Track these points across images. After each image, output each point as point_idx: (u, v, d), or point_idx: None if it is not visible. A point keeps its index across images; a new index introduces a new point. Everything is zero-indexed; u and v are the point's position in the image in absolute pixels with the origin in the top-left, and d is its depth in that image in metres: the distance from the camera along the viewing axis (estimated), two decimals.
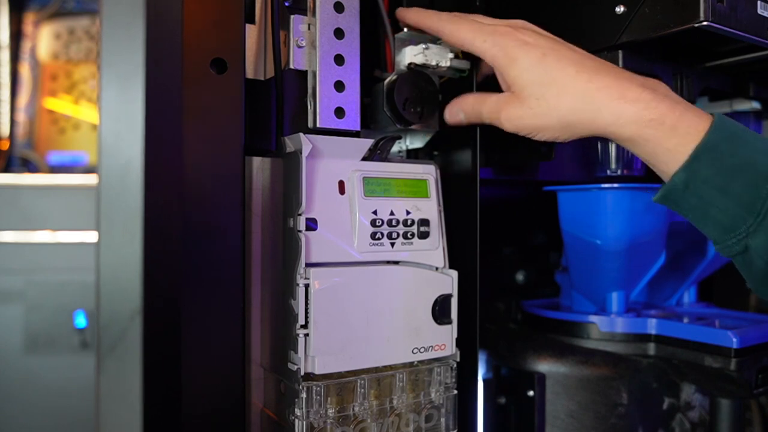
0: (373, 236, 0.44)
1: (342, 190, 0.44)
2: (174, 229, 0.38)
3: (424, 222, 0.46)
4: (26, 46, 1.41)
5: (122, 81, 0.36)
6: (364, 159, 0.45)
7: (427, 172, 0.48)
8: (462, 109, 0.48)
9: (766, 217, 0.37)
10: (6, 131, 1.38)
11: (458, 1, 0.53)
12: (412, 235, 0.46)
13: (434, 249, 0.47)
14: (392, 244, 0.45)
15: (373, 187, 0.44)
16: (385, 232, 0.45)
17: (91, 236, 1.19)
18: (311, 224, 0.42)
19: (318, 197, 0.43)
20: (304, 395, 0.41)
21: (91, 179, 1.23)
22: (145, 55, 0.36)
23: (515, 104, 0.43)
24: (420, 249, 0.46)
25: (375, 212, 0.44)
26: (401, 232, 0.45)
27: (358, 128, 0.46)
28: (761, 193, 0.37)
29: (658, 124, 0.39)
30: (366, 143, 0.45)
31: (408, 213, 0.46)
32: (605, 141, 0.58)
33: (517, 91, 0.43)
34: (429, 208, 0.47)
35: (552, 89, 0.41)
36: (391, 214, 0.45)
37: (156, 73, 0.36)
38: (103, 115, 0.36)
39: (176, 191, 0.38)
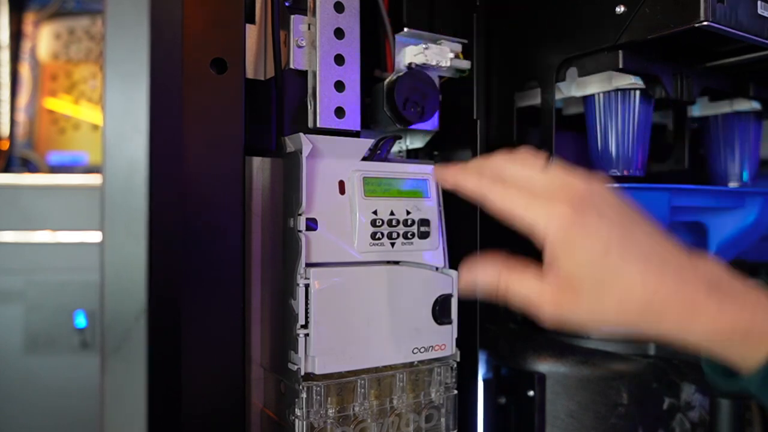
0: (373, 236, 0.44)
1: (342, 190, 0.44)
2: (176, 229, 0.38)
3: (424, 222, 0.46)
4: (26, 46, 1.40)
5: (126, 81, 0.36)
6: (364, 159, 0.45)
7: (427, 172, 0.48)
8: (483, 279, 0.39)
9: None
10: (6, 131, 1.37)
11: (458, 1, 0.53)
12: (413, 235, 0.46)
13: (434, 249, 0.47)
14: (392, 244, 0.45)
15: (373, 187, 0.44)
16: (386, 232, 0.45)
17: (91, 236, 1.19)
18: (311, 224, 0.42)
19: (318, 197, 0.43)
20: (304, 395, 0.41)
21: (91, 179, 1.23)
22: (151, 55, 0.36)
23: (570, 296, 0.36)
24: (420, 249, 0.46)
25: (375, 212, 0.44)
26: (401, 232, 0.45)
27: (358, 128, 0.46)
28: None
29: (729, 335, 0.35)
30: (366, 143, 0.45)
31: (408, 213, 0.46)
32: (605, 141, 0.58)
33: (575, 283, 0.36)
34: (429, 208, 0.47)
35: (614, 292, 0.35)
36: (391, 214, 0.45)
37: (157, 73, 0.36)
38: (107, 116, 0.36)
39: (178, 191, 0.38)
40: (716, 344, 0.35)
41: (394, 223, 0.45)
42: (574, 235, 0.36)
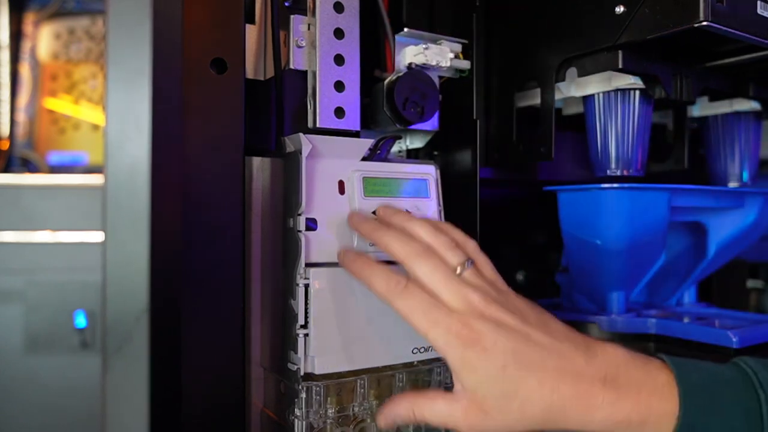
0: None
1: (342, 190, 0.44)
2: (177, 229, 0.38)
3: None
4: (26, 46, 1.41)
5: (128, 81, 0.36)
6: (364, 159, 0.45)
7: (427, 172, 0.48)
8: (398, 415, 0.41)
9: None
10: (6, 131, 1.38)
11: (458, 1, 0.53)
12: None
13: None
14: None
15: (373, 187, 0.44)
16: None
17: (91, 236, 1.19)
18: (311, 224, 0.42)
19: (318, 197, 0.43)
20: (303, 395, 0.41)
21: (91, 179, 1.23)
22: (152, 55, 0.36)
23: (478, 414, 0.39)
24: None
25: (375, 212, 0.44)
26: None
27: (358, 128, 0.46)
28: None
29: (627, 425, 0.38)
30: (366, 143, 0.45)
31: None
32: (605, 141, 0.58)
33: (479, 399, 0.39)
34: (429, 208, 0.47)
35: (515, 403, 0.38)
36: None
37: (158, 73, 0.36)
38: (109, 115, 0.36)
39: (179, 191, 0.38)
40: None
41: None
42: (471, 356, 0.38)
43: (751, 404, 0.38)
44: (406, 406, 0.41)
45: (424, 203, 0.47)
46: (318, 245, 0.42)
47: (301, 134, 0.42)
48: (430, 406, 0.40)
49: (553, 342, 0.39)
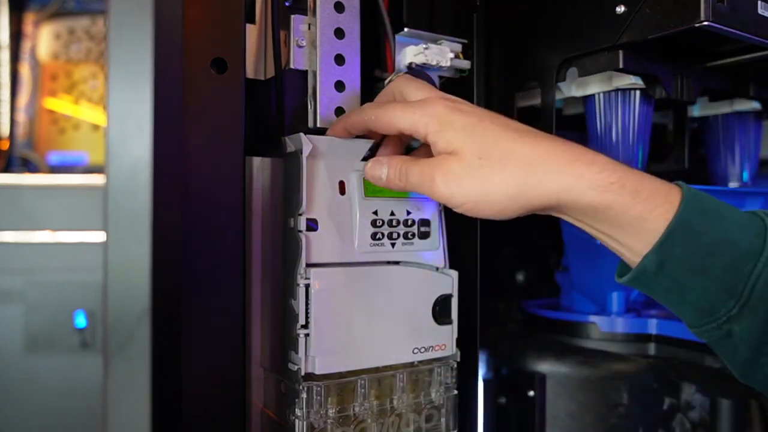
0: (373, 236, 0.44)
1: (342, 191, 0.44)
2: (177, 229, 0.38)
3: (425, 222, 0.46)
4: (26, 46, 1.40)
5: (130, 81, 0.36)
6: (364, 159, 0.45)
7: None
8: (388, 164, 0.41)
9: (749, 300, 0.34)
10: (6, 131, 1.38)
11: (458, 1, 0.53)
12: (413, 235, 0.46)
13: (435, 249, 0.47)
14: (393, 245, 0.45)
15: (373, 187, 0.44)
16: (386, 233, 0.45)
17: (91, 236, 1.19)
18: (312, 224, 0.42)
19: (318, 197, 0.43)
20: (304, 395, 0.41)
21: (91, 179, 1.23)
22: (154, 55, 0.36)
23: (453, 162, 0.36)
24: (420, 249, 0.46)
25: (375, 212, 0.44)
26: (402, 233, 0.45)
27: None
28: (742, 273, 0.34)
29: (619, 188, 0.34)
30: (366, 143, 0.45)
31: (408, 213, 0.46)
32: (605, 141, 0.58)
33: (454, 150, 0.36)
34: (429, 208, 0.47)
35: (495, 150, 0.35)
36: (392, 214, 0.45)
37: (159, 73, 0.36)
38: (110, 116, 0.36)
39: (180, 191, 0.38)
40: (608, 202, 0.34)
41: (394, 223, 0.45)
42: (448, 113, 0.37)
43: (755, 225, 0.35)
44: (399, 163, 0.40)
45: (425, 203, 0.47)
46: (319, 245, 0.42)
47: (301, 134, 0.42)
48: (413, 163, 0.39)
49: (531, 128, 0.38)
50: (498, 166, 0.35)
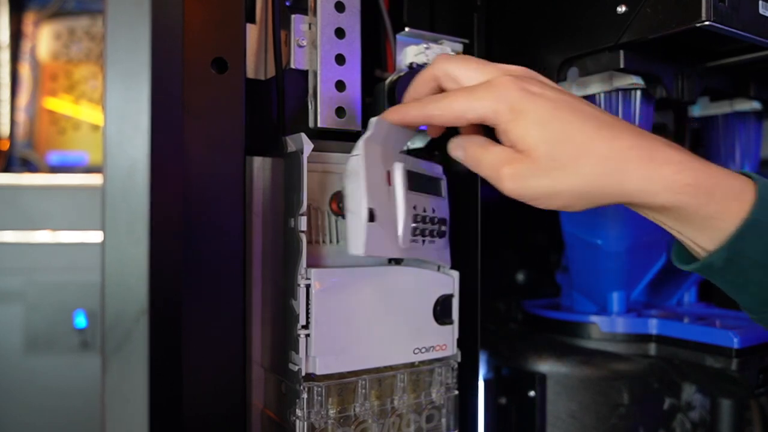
0: (413, 232, 0.43)
1: (388, 182, 0.43)
2: (176, 229, 0.38)
3: (443, 221, 0.46)
4: (26, 46, 1.40)
5: (127, 81, 0.36)
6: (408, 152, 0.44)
7: (440, 171, 0.48)
8: (465, 148, 0.39)
9: None
10: (6, 131, 1.37)
11: (459, 0, 0.53)
12: (437, 233, 0.45)
13: (445, 248, 0.47)
14: (423, 242, 0.44)
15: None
16: (422, 229, 0.44)
17: (91, 236, 1.19)
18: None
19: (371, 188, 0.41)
20: (305, 396, 0.41)
21: (91, 179, 1.23)
22: (151, 55, 0.36)
23: (524, 162, 0.35)
24: (441, 248, 0.46)
25: (414, 207, 0.43)
26: (429, 230, 0.45)
27: (359, 128, 0.46)
28: None
29: (694, 189, 0.33)
30: (408, 134, 0.44)
31: (434, 211, 0.45)
32: None
33: (526, 149, 0.35)
34: (444, 207, 0.47)
35: (568, 148, 0.34)
36: (424, 211, 0.44)
37: (158, 72, 0.36)
38: (108, 115, 0.36)
39: (179, 191, 0.38)
40: (681, 203, 0.34)
41: (427, 220, 0.44)
42: (520, 99, 0.35)
43: None
44: (477, 145, 0.38)
45: (441, 202, 0.46)
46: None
47: (302, 134, 0.42)
48: (488, 149, 0.37)
49: (607, 113, 0.36)
50: (571, 167, 0.34)
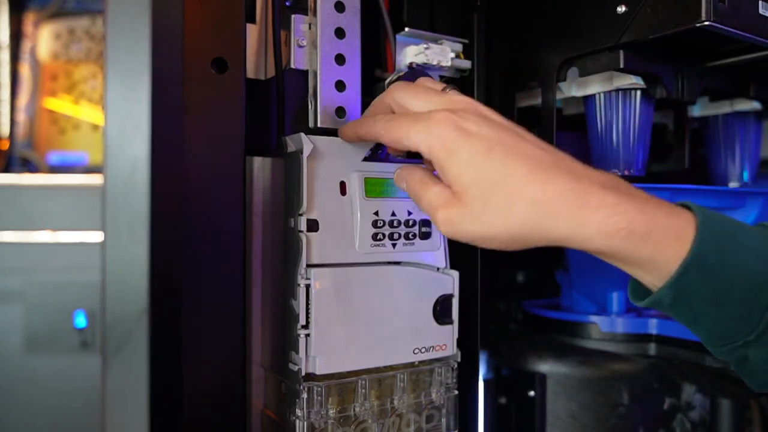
0: (374, 237, 0.44)
1: (343, 191, 0.44)
2: (177, 229, 0.38)
3: (426, 223, 0.46)
4: (26, 46, 1.40)
5: (128, 81, 0.36)
6: (365, 159, 0.45)
7: None
8: (407, 182, 0.40)
9: (766, 330, 0.34)
10: (6, 131, 1.37)
11: (459, 0, 0.53)
12: (414, 235, 0.46)
13: (435, 250, 0.47)
14: (393, 245, 0.45)
15: (374, 187, 0.44)
16: (387, 233, 0.44)
17: (91, 236, 1.19)
18: (312, 224, 0.42)
19: (319, 198, 0.42)
20: (305, 396, 0.41)
21: (91, 179, 1.23)
22: (151, 55, 0.36)
23: (456, 206, 0.35)
24: (421, 250, 0.46)
25: (376, 213, 0.44)
26: (403, 233, 0.45)
27: None
28: (759, 305, 0.33)
29: (627, 233, 0.33)
30: (367, 143, 0.45)
31: (410, 213, 0.46)
32: (606, 141, 0.58)
33: (459, 191, 0.35)
34: None
35: (501, 192, 0.33)
36: (393, 214, 0.45)
37: (158, 72, 0.36)
38: (108, 115, 0.36)
39: (179, 191, 0.38)
40: (615, 248, 0.33)
41: (395, 223, 0.45)
42: (455, 141, 0.34)
43: None
44: (418, 181, 0.38)
45: None
46: (319, 245, 0.42)
47: (302, 134, 0.42)
48: (427, 188, 0.37)
49: (546, 146, 0.35)
50: (503, 210, 0.34)
